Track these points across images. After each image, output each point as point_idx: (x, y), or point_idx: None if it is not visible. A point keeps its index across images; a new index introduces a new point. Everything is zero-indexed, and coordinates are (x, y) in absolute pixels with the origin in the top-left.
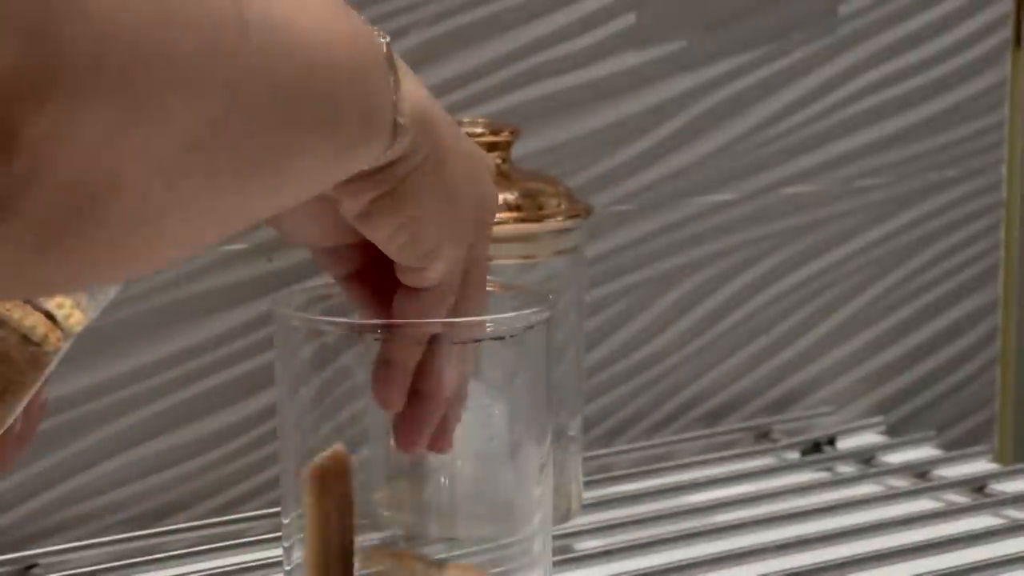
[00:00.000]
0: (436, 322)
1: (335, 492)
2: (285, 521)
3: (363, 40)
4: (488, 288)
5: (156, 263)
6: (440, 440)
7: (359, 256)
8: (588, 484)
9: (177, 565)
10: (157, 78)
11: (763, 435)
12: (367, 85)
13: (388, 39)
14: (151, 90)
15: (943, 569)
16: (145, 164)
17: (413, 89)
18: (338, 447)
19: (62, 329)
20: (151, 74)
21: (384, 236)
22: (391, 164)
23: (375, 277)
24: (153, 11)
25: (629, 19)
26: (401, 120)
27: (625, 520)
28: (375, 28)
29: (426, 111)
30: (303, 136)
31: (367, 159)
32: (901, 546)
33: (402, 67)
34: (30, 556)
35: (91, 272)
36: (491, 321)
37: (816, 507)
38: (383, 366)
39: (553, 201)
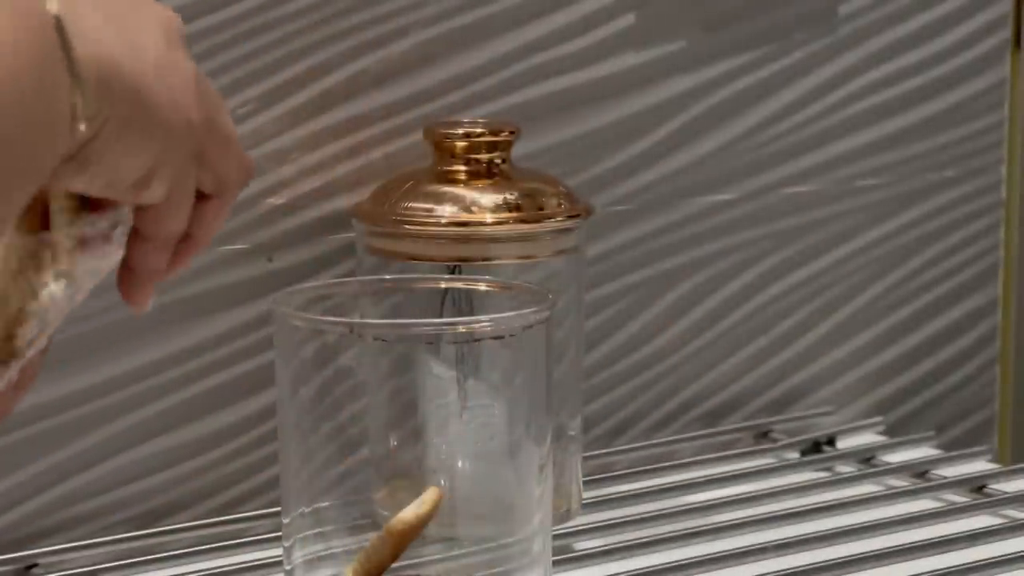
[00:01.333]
0: (436, 322)
1: (405, 544)
2: (285, 521)
3: (25, 38)
4: (488, 288)
5: None
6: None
7: None
8: (588, 484)
9: (177, 565)
10: None
11: (763, 435)
12: (43, 87)
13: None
14: None
15: (942, 569)
16: None
17: (91, 49)
18: (433, 497)
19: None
20: None
21: (81, 188)
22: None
23: None
24: None
25: (629, 19)
26: (84, 108)
27: (625, 520)
28: None
29: (109, 66)
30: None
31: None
32: (900, 546)
33: (74, 27)
34: (30, 556)
35: None
36: (490, 321)
37: (815, 507)
38: (129, 273)
39: (553, 201)
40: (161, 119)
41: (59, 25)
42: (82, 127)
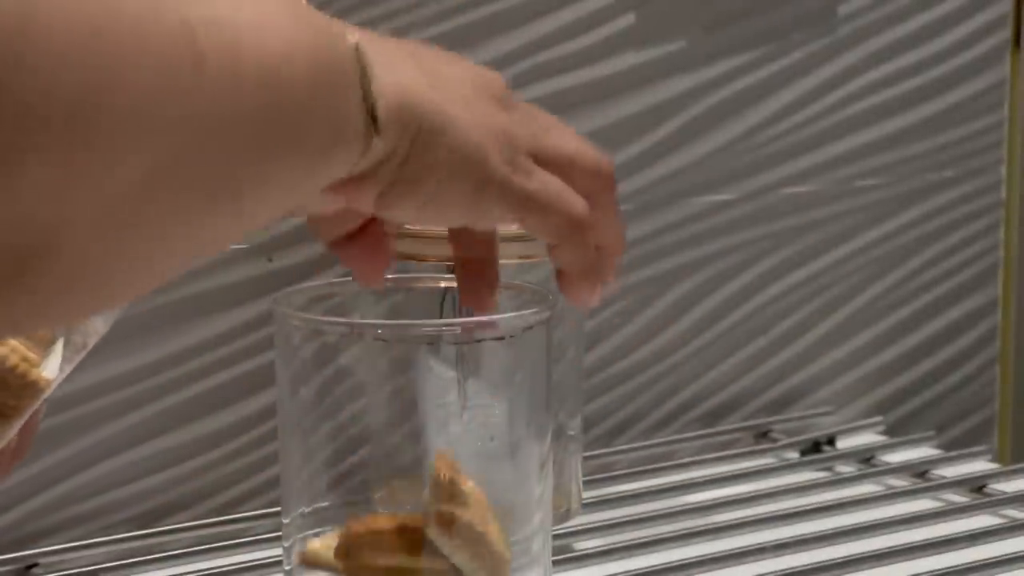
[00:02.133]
0: (437, 322)
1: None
2: (285, 521)
3: (325, 45)
4: None
5: (121, 297)
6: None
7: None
8: (588, 484)
9: (177, 565)
10: (106, 126)
11: (763, 435)
12: (332, 92)
13: (356, 37)
14: (99, 139)
15: (942, 569)
16: (91, 214)
17: (392, 79)
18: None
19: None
20: (99, 123)
21: (411, 218)
22: (382, 161)
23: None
24: (100, 58)
25: (629, 19)
26: (378, 121)
27: (625, 519)
28: (345, 24)
29: (409, 96)
30: (267, 158)
31: (342, 167)
32: (900, 546)
33: (377, 58)
34: (30, 556)
35: (36, 321)
36: (492, 321)
37: (815, 507)
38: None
39: None
40: (471, 141)
41: (357, 49)
42: (380, 142)
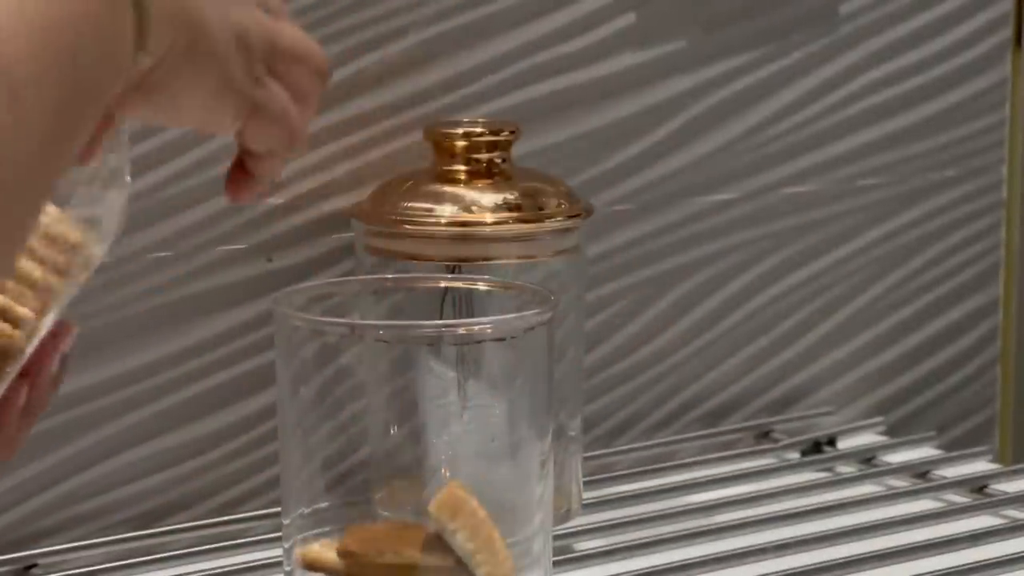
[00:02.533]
0: (438, 323)
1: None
2: (285, 521)
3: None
4: (490, 287)
5: None
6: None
7: None
8: (588, 484)
9: (177, 565)
10: None
11: (763, 435)
12: (112, 24)
13: None
14: None
15: (943, 569)
16: None
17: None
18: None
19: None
20: None
21: (145, 119)
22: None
23: None
24: None
25: (629, 19)
26: (147, 47)
27: (625, 520)
28: None
29: (178, 14)
30: (73, 122)
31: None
32: (901, 546)
33: None
34: (30, 556)
35: None
36: (492, 322)
37: (816, 507)
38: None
39: (553, 201)
40: (219, 49)
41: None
42: (146, 57)
